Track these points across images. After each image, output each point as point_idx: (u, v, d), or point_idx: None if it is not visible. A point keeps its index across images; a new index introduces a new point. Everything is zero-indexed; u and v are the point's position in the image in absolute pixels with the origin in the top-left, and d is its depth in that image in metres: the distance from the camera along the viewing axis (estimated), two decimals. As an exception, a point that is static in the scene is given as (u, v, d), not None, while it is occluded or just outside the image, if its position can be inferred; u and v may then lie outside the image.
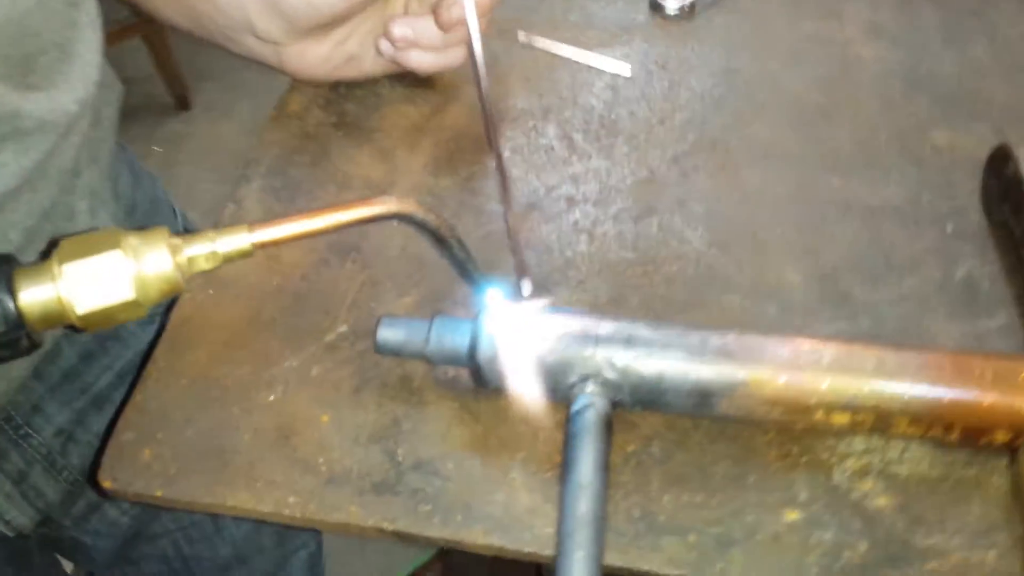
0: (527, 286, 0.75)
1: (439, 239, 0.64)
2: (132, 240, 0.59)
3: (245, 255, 0.60)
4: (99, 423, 0.95)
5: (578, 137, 0.91)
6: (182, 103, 3.02)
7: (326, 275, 0.80)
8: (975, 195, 0.87)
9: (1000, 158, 0.83)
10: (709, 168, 0.88)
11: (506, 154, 0.89)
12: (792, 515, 0.66)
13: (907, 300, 0.78)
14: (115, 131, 0.89)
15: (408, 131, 0.92)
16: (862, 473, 0.68)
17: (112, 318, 0.60)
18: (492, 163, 0.87)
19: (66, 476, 0.95)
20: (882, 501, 0.67)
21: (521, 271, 0.75)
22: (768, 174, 0.87)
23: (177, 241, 0.60)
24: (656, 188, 0.86)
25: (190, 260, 0.60)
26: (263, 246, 0.60)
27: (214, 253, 0.60)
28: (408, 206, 0.61)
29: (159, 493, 0.68)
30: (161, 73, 2.89)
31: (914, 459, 0.69)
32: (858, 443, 0.70)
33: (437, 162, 0.89)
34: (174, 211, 1.08)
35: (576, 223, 0.83)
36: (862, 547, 0.65)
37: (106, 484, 0.68)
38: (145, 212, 0.98)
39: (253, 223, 0.60)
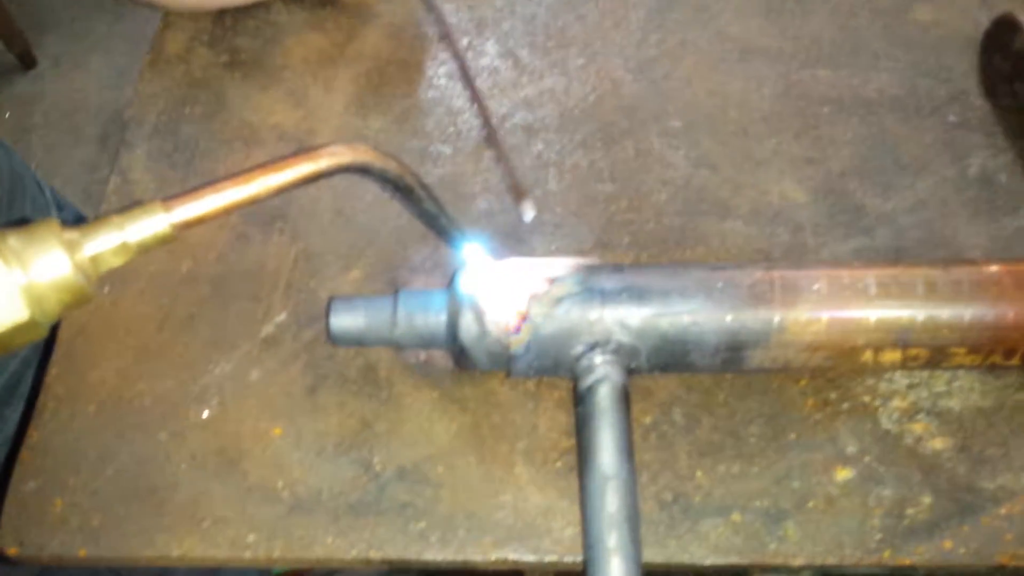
0: (529, 209, 0.64)
1: (404, 190, 0.52)
2: (12, 241, 0.45)
3: (165, 241, 0.47)
4: None
5: (524, 53, 0.79)
6: (26, 60, 2.74)
7: (249, 253, 0.67)
8: (972, 76, 0.80)
9: (1005, 31, 0.75)
10: (681, 74, 0.78)
11: (441, 81, 0.77)
12: (844, 473, 0.59)
13: (924, 205, 0.71)
14: None
15: (320, 65, 0.79)
16: (911, 413, 0.61)
17: (4, 346, 0.46)
18: (428, 94, 0.75)
19: (-40, 515, 0.81)
20: (938, 443, 0.60)
21: (519, 192, 0.64)
22: (749, 75, 0.78)
23: (73, 235, 0.46)
24: (624, 104, 0.76)
25: (94, 259, 0.47)
26: (186, 226, 0.47)
27: (124, 245, 0.47)
28: (362, 154, 0.50)
29: (83, 552, 0.56)
30: (-5, 29, 2.61)
31: (963, 389, 0.62)
32: (901, 379, 0.63)
33: (362, 100, 0.76)
34: (39, 186, 0.92)
35: (540, 156, 0.72)
36: (926, 500, 0.58)
37: (11, 551, 0.56)
38: (7, 192, 0.82)
39: (167, 198, 0.47)
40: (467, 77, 0.61)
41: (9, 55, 2.72)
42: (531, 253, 0.66)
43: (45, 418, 0.60)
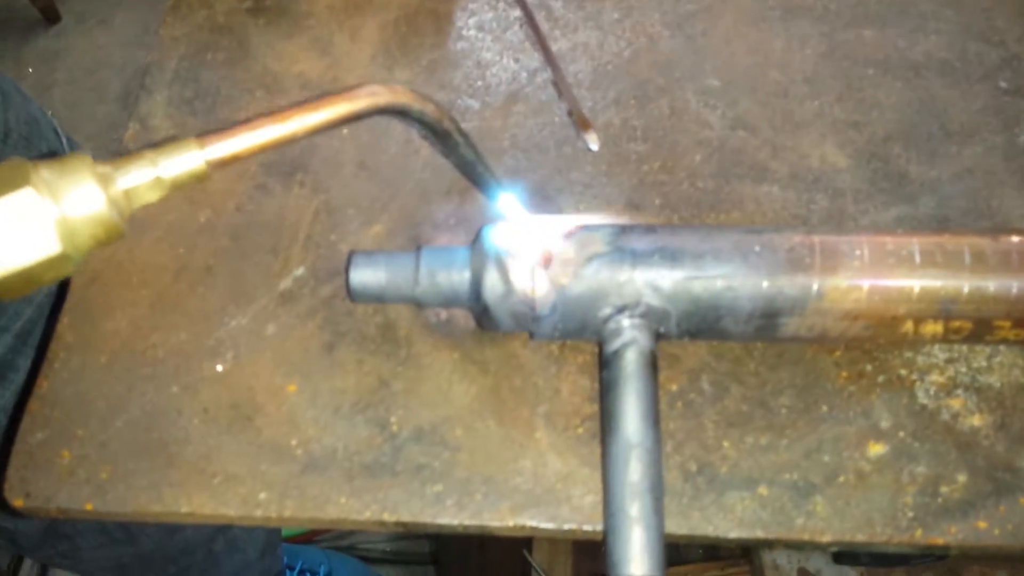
0: (594, 140, 0.62)
1: (440, 134, 0.50)
2: (44, 172, 0.44)
3: (199, 178, 0.46)
4: (4, 397, 0.80)
5: (557, 5, 0.76)
6: (49, 15, 2.73)
7: (268, 204, 0.65)
8: (1025, 41, 0.76)
9: (1063, -7, 0.72)
10: (720, 31, 0.75)
11: (471, 32, 0.74)
12: (876, 448, 0.57)
13: (970, 173, 0.68)
14: None
15: (346, 12, 0.76)
16: (949, 388, 0.59)
17: (32, 281, 0.45)
18: (457, 46, 0.73)
19: (-30, 463, 0.80)
20: (976, 420, 0.58)
21: (584, 122, 0.63)
22: (791, 33, 0.75)
23: (106, 169, 0.45)
24: (660, 61, 0.73)
25: (128, 193, 0.45)
26: (221, 164, 0.46)
27: (158, 180, 0.45)
28: (400, 95, 0.48)
29: (90, 506, 0.55)
30: (19, -18, 2.60)
31: (1004, 365, 0.60)
32: (939, 352, 0.60)
33: (388, 50, 0.74)
34: (57, 133, 0.91)
35: (570, 113, 0.70)
36: (961, 478, 0.56)
37: (17, 502, 0.55)
38: (23, 137, 0.81)
39: (201, 134, 0.45)
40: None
41: (32, 10, 2.71)
42: (559, 213, 0.64)
43: (55, 368, 0.59)
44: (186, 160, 0.45)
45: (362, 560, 1.58)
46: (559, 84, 0.65)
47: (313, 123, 0.46)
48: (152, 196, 0.46)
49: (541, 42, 0.66)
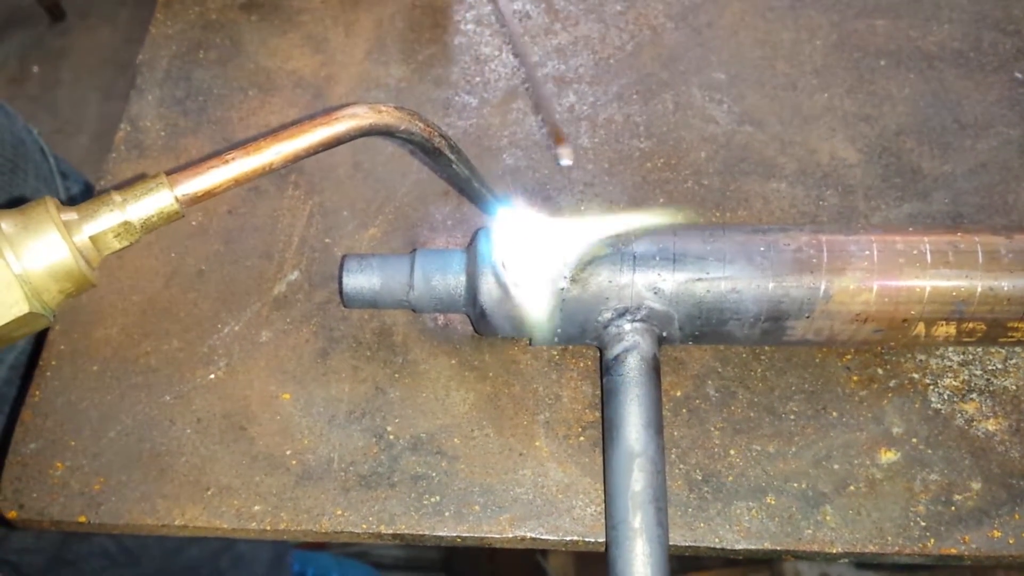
0: (567, 155, 0.61)
1: (432, 153, 0.50)
2: (4, 225, 0.43)
3: (171, 219, 0.45)
4: None
5: (558, -3, 0.75)
6: (54, 13, 2.73)
7: (262, 207, 0.65)
8: (1043, 29, 0.75)
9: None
10: (726, 22, 0.74)
11: (469, 27, 0.74)
12: (888, 455, 0.56)
13: (985, 168, 0.67)
14: None
15: (341, 7, 0.76)
16: (963, 392, 0.58)
17: (4, 340, 0.45)
18: (455, 41, 0.72)
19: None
20: (991, 425, 0.57)
21: (557, 136, 0.61)
22: (800, 23, 0.74)
23: (71, 216, 0.44)
24: (664, 54, 0.72)
25: (95, 240, 0.44)
26: (194, 201, 0.45)
27: (127, 225, 0.44)
28: (386, 115, 0.47)
29: (83, 518, 0.55)
30: (23, -21, 2.60)
31: (1021, 367, 0.59)
32: (953, 355, 0.59)
33: (384, 46, 0.73)
34: (44, 152, 0.90)
35: (572, 109, 0.69)
36: (975, 486, 0.55)
37: (11, 515, 0.55)
38: (8, 161, 0.80)
39: (172, 171, 0.44)
40: (499, 11, 0.58)
41: (37, 8, 2.71)
42: (559, 213, 0.64)
43: (47, 376, 0.59)
44: (156, 200, 0.44)
45: (374, 566, 1.57)
46: (533, 94, 0.64)
47: (291, 152, 0.46)
48: (122, 242, 0.45)
49: (516, 49, 0.64)
